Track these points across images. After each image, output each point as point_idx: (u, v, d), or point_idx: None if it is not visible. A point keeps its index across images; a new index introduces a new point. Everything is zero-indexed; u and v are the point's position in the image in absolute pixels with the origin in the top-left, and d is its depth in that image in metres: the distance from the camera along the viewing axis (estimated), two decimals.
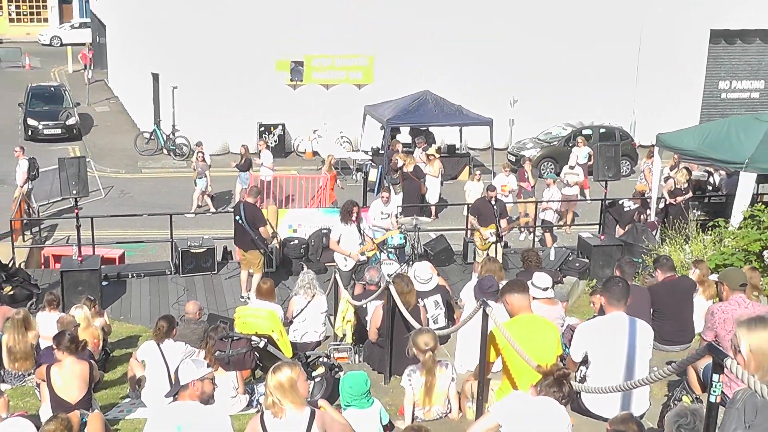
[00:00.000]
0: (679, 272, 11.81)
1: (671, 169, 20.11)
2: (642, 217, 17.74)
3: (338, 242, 14.37)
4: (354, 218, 14.31)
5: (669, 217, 17.48)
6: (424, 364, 7.45)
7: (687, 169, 18.63)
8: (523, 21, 29.23)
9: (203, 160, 23.08)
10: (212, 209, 22.87)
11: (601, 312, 7.89)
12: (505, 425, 5.18)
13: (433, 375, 7.47)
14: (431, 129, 26.10)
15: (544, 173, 25.16)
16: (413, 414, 7.60)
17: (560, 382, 5.38)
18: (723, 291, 8.63)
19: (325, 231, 16.42)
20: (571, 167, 22.05)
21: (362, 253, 14.46)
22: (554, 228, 20.36)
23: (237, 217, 14.97)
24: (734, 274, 8.85)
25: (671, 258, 10.99)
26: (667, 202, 18.21)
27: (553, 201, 20.08)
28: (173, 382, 7.80)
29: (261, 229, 14.75)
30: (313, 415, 5.78)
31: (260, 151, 24.10)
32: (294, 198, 22.38)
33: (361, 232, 14.51)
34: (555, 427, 5.24)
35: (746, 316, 5.65)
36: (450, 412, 7.65)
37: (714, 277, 9.78)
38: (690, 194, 18.31)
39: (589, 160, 22.55)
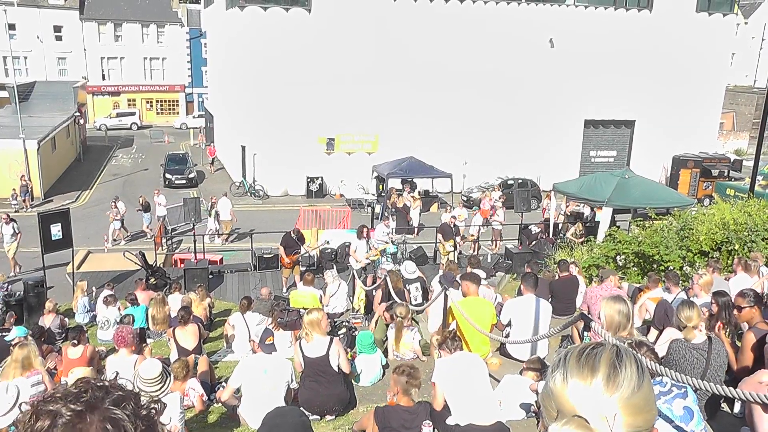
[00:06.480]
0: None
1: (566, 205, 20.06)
2: (543, 236, 17.71)
3: (355, 251, 14.32)
4: (364, 235, 14.26)
5: (560, 235, 17.44)
6: (396, 325, 7.45)
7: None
8: (469, 115, 29.35)
9: (116, 206, 20.65)
10: (122, 243, 20.50)
11: (520, 293, 7.88)
12: (443, 383, 4.85)
13: (400, 332, 7.44)
14: (414, 180, 26.09)
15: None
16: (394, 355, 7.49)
17: (454, 338, 5.18)
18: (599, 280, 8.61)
19: (347, 244, 16.31)
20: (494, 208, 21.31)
21: (367, 258, 14.40)
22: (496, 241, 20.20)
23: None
24: (605, 272, 8.89)
25: (567, 261, 10.95)
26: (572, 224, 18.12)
27: (488, 226, 19.99)
28: (251, 338, 7.77)
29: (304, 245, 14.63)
30: (332, 340, 5.85)
31: (155, 196, 22.06)
32: (328, 223, 22.32)
33: (368, 244, 14.44)
34: (474, 367, 4.94)
35: (607, 296, 5.64)
36: (416, 357, 7.47)
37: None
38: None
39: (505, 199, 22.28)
